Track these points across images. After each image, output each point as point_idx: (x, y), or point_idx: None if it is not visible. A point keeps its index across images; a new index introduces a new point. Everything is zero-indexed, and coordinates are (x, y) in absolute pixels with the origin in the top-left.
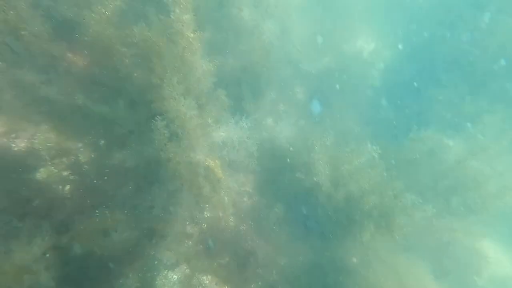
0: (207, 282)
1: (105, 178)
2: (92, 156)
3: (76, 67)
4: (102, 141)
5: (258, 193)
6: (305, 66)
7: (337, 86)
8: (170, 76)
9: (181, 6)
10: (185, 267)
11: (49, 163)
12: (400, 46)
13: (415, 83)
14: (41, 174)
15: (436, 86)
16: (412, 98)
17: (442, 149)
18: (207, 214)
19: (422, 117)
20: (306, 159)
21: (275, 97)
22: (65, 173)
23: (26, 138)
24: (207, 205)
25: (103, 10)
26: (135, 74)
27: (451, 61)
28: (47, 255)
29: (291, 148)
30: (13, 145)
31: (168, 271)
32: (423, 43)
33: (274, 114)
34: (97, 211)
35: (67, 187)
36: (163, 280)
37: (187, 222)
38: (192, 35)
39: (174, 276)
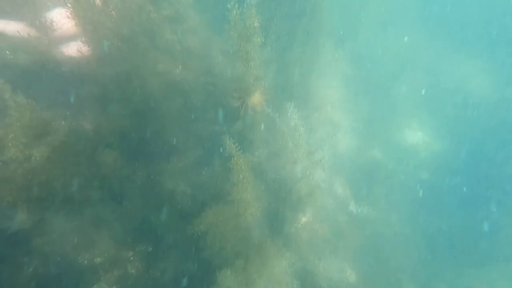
0: None
1: None
2: (139, 266)
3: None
4: (150, 248)
5: None
6: (353, 207)
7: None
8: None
9: (243, 185)
10: None
11: (102, 278)
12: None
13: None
14: None
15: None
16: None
17: None
18: None
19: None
20: None
21: (320, 235)
22: None
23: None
24: None
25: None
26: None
27: None
28: None
29: None
30: (79, 258)
31: None
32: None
33: (317, 250)
34: None
35: None
36: None
37: None
38: (250, 195)
39: None
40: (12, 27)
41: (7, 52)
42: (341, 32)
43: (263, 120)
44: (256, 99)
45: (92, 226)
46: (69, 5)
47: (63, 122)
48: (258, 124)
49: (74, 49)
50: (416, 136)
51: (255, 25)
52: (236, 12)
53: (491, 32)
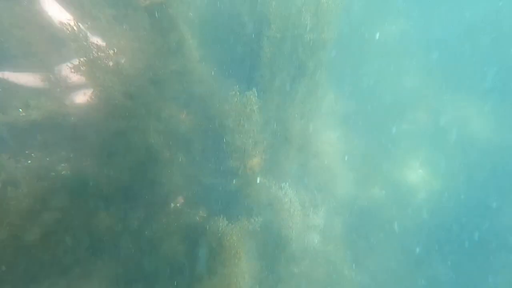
0: None
1: None
2: None
3: None
4: None
5: None
6: (348, 271)
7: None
8: None
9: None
10: None
11: None
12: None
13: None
14: None
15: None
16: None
17: None
18: None
19: None
20: None
21: None
22: None
23: None
24: None
25: None
26: None
27: None
28: None
29: None
30: None
31: None
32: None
33: None
34: None
35: None
36: None
37: None
38: None
39: None
40: (25, 79)
41: (20, 109)
42: (342, 71)
43: (259, 188)
44: (254, 161)
45: (80, 280)
46: (82, 68)
47: (62, 194)
48: (254, 190)
49: (83, 98)
50: (416, 174)
51: (254, 108)
52: (237, 99)
53: (492, 75)
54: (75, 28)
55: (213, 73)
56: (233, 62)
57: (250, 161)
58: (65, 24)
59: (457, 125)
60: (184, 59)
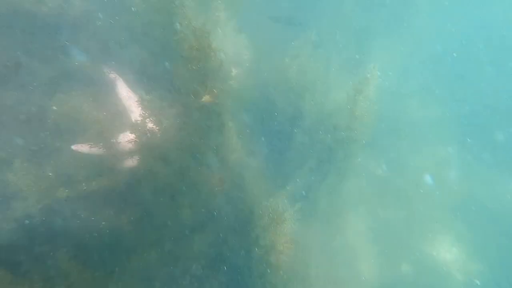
0: None
1: None
2: None
3: None
4: None
5: None
6: None
7: None
8: None
9: None
10: None
11: None
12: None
13: None
14: None
15: None
16: None
17: None
18: None
19: None
20: None
21: None
22: None
23: None
24: None
25: None
26: None
27: None
28: None
29: None
30: None
31: None
32: None
33: None
34: None
35: None
36: None
37: None
38: None
39: None
40: (91, 149)
41: (83, 184)
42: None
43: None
44: (280, 256)
45: None
46: (135, 144)
47: None
48: (276, 279)
49: (132, 163)
50: (449, 252)
51: (286, 217)
52: (271, 212)
53: None
54: (138, 120)
55: (247, 150)
56: (266, 143)
57: (275, 254)
58: (132, 112)
59: (492, 200)
60: (222, 137)
